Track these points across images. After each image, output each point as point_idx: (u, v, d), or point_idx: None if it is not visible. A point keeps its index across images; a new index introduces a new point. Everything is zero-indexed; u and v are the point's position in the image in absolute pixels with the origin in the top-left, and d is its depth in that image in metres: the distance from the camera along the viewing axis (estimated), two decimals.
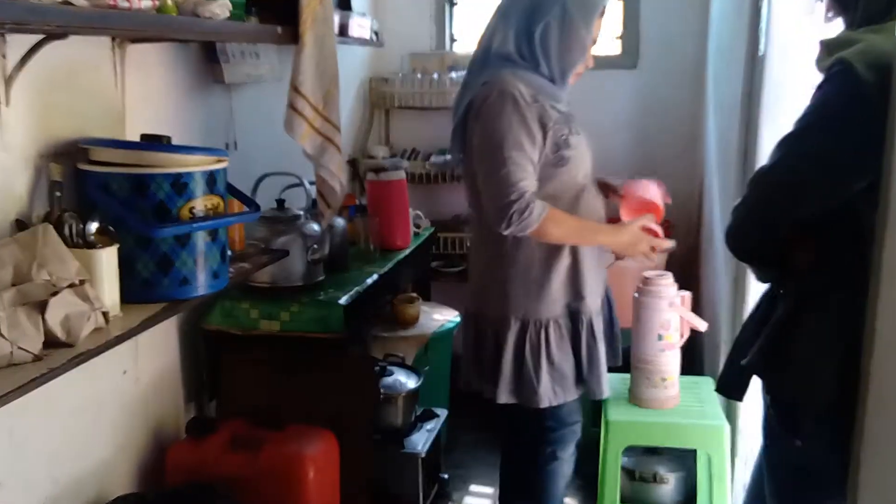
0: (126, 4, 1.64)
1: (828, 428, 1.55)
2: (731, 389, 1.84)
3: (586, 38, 2.29)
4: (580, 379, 2.41)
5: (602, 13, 2.31)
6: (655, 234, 2.35)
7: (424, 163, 4.20)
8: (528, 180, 2.21)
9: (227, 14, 1.99)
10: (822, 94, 1.51)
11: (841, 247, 1.56)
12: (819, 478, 1.60)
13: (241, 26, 2.18)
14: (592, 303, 2.41)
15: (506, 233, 2.22)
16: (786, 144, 1.57)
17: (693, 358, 3.39)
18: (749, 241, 1.70)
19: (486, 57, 2.34)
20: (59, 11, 1.48)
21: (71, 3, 1.50)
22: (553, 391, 2.36)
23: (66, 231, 1.79)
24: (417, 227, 3.67)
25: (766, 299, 1.76)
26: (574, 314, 2.38)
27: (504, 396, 2.37)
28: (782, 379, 1.64)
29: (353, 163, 4.12)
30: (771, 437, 1.73)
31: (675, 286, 2.51)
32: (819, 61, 1.59)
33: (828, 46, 1.55)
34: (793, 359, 1.61)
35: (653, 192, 2.44)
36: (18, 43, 1.76)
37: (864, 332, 1.33)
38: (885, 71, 1.35)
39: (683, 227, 4.13)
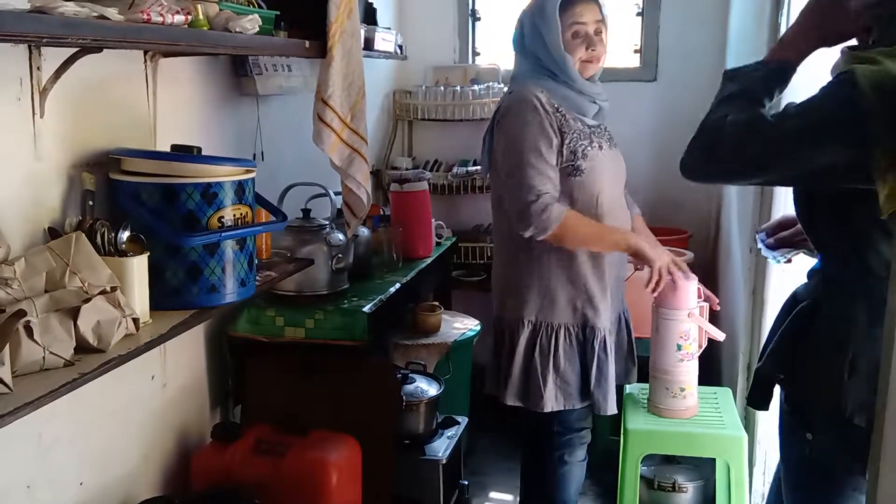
0: (159, 19, 1.68)
1: (835, 423, 1.61)
2: (757, 401, 1.89)
3: (551, 34, 2.35)
4: (587, 391, 2.44)
5: (575, 9, 2.37)
6: (682, 269, 2.43)
7: (447, 174, 4.24)
8: (547, 184, 2.28)
9: (257, 29, 2.03)
10: (822, 94, 1.53)
11: (844, 258, 1.63)
12: (831, 471, 1.66)
13: (270, 40, 2.21)
14: (606, 317, 2.44)
15: (527, 235, 2.29)
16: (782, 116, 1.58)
17: (711, 368, 3.40)
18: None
19: (513, 71, 2.52)
20: (94, 26, 1.51)
21: (106, 18, 1.54)
22: (556, 397, 2.41)
23: (98, 239, 1.82)
24: (439, 236, 3.71)
25: (787, 305, 1.82)
26: (586, 325, 2.42)
27: (511, 398, 2.44)
28: (793, 377, 1.71)
29: (376, 173, 4.17)
30: (786, 433, 1.79)
31: (695, 296, 2.52)
32: (836, 68, 1.62)
33: (849, 57, 1.58)
34: (802, 358, 1.68)
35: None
36: (53, 56, 1.80)
37: (883, 341, 1.35)
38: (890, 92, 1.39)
39: (702, 238, 4.15)
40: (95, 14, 1.51)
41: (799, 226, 2.02)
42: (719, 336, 2.55)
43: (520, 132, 2.32)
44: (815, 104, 1.52)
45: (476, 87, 4.17)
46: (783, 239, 2.07)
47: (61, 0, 1.47)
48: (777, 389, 1.83)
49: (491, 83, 4.18)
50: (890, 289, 1.29)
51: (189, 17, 1.79)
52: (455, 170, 4.23)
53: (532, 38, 2.41)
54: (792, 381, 1.72)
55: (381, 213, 3.49)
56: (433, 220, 3.58)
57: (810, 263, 1.83)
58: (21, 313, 1.57)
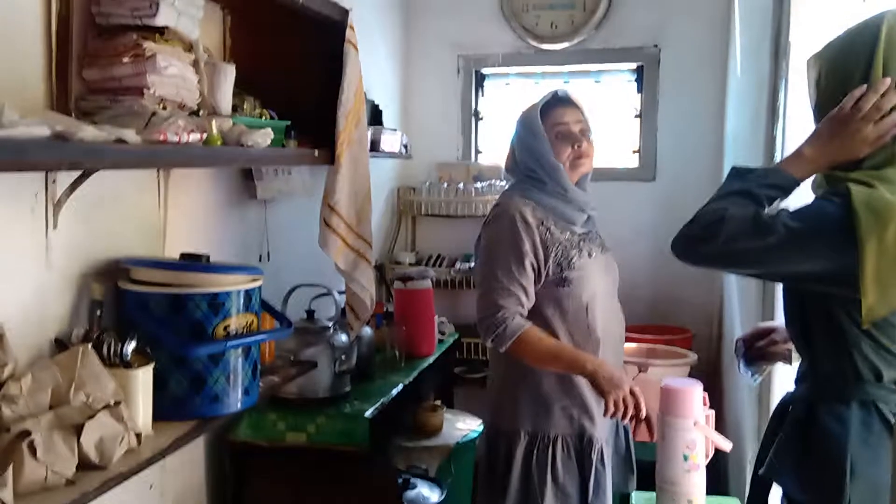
0: (175, 139, 1.70)
1: None
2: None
3: (539, 143, 2.39)
4: (587, 503, 2.40)
5: (555, 113, 2.40)
6: (637, 404, 2.29)
7: (449, 269, 4.26)
8: (510, 299, 2.31)
9: (269, 142, 2.07)
10: (817, 207, 1.63)
11: (835, 361, 1.67)
12: None
13: (281, 152, 2.25)
14: (603, 426, 2.42)
15: (488, 345, 2.35)
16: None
17: (718, 478, 3.35)
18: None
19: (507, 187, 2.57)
20: (113, 151, 1.54)
21: (124, 142, 1.56)
22: None
23: (105, 350, 1.82)
24: (442, 333, 3.70)
25: (778, 412, 1.87)
26: (583, 435, 2.40)
27: None
28: (794, 481, 1.73)
29: (380, 268, 4.18)
30: None
31: (700, 403, 2.50)
32: (816, 185, 1.74)
33: (831, 177, 1.68)
34: (801, 461, 1.70)
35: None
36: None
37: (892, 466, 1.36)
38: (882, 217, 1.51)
39: (704, 336, 4.14)
40: (114, 138, 1.53)
41: (773, 335, 2.06)
42: (726, 446, 2.52)
43: (494, 247, 2.38)
44: (811, 215, 1.61)
45: (478, 185, 4.23)
46: (758, 350, 2.09)
47: (80, 123, 1.50)
48: (779, 497, 1.83)
49: (493, 180, 4.24)
50: None
51: (203, 135, 1.82)
52: (457, 265, 4.26)
53: (521, 152, 2.45)
54: (793, 485, 1.73)
55: (385, 310, 3.49)
56: (436, 316, 3.58)
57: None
58: (25, 434, 1.55)
